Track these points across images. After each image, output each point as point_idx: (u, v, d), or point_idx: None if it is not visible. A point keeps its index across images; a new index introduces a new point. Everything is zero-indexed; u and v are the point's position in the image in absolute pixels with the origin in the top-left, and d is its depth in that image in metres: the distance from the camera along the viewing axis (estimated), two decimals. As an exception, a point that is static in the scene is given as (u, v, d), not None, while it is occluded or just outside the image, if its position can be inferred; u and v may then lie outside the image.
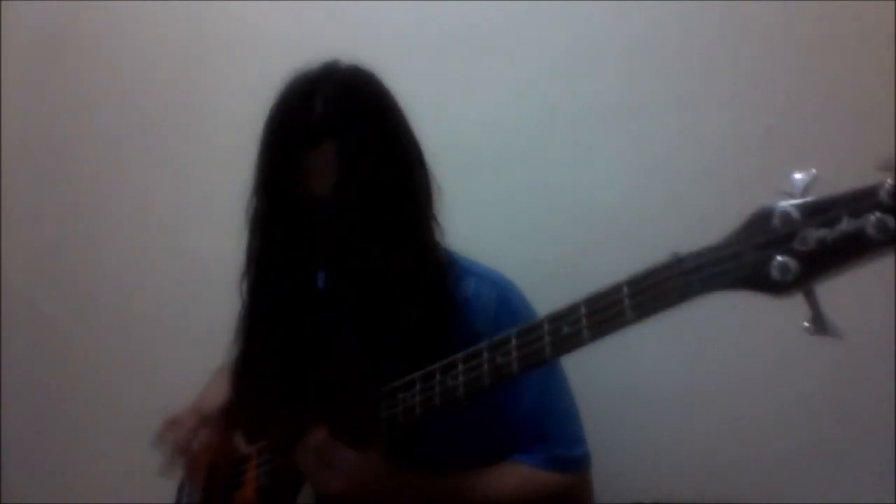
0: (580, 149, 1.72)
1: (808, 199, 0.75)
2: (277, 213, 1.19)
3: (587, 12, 1.70)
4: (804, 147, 1.56)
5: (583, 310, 0.91)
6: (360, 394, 1.17)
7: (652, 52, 1.67)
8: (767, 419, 1.63)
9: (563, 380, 1.31)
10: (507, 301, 1.27)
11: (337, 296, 1.29)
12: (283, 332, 1.25)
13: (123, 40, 2.05)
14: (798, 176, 0.76)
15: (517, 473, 1.26)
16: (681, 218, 1.62)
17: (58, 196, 2.14)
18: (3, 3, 2.12)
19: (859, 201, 0.71)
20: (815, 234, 0.73)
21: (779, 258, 0.75)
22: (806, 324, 0.77)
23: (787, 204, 0.76)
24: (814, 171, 0.76)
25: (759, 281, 0.77)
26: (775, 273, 0.75)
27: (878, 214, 0.70)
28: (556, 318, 0.94)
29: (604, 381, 1.60)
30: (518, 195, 1.76)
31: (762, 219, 0.78)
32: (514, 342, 0.99)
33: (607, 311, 0.88)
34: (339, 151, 1.13)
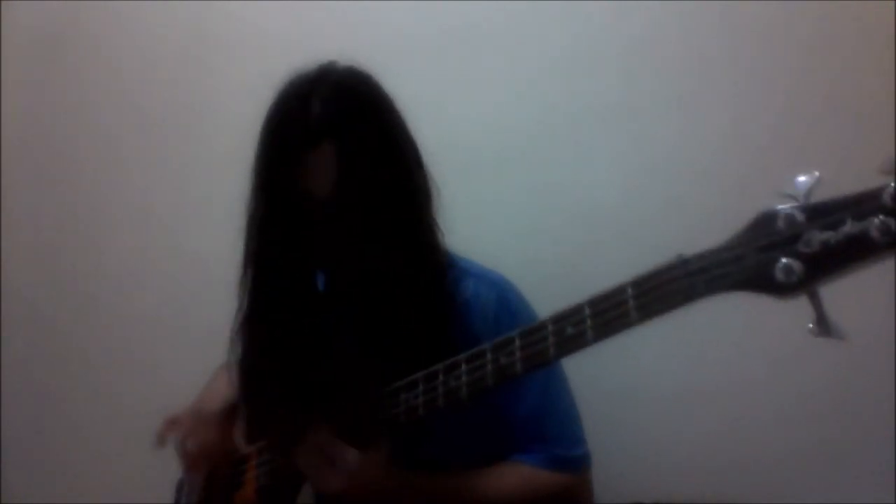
0: (580, 149, 1.72)
1: (812, 201, 0.75)
2: (276, 215, 1.19)
3: (587, 12, 1.70)
4: (804, 147, 1.56)
5: (587, 311, 0.91)
6: (362, 393, 1.17)
7: (652, 52, 1.67)
8: (767, 419, 1.63)
9: (563, 380, 1.31)
10: (506, 302, 1.27)
11: (336, 296, 1.29)
12: (282, 332, 1.24)
13: (123, 40, 2.05)
14: (801, 178, 0.76)
15: (517, 473, 1.26)
16: (681, 218, 1.62)
17: (58, 196, 2.15)
18: (3, 3, 2.12)
19: (863, 204, 0.71)
20: (819, 237, 0.73)
21: (783, 260, 0.76)
22: (810, 326, 0.78)
23: (791, 206, 0.76)
24: (817, 173, 0.76)
25: (763, 283, 0.77)
26: (780, 275, 0.76)
27: (881, 217, 0.70)
28: (560, 319, 0.94)
29: (604, 381, 1.60)
30: (518, 195, 1.76)
31: (766, 221, 0.78)
32: (517, 343, 0.99)
33: (611, 313, 0.88)
34: (337, 152, 1.13)
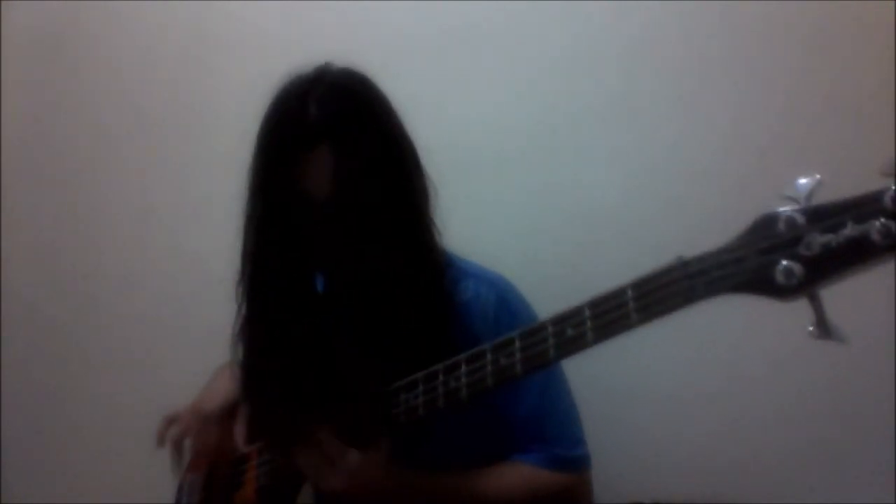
0: (580, 149, 1.72)
1: (813, 204, 0.75)
2: (274, 216, 1.19)
3: (587, 12, 1.70)
4: (804, 147, 1.56)
5: (587, 312, 0.91)
6: (362, 393, 1.17)
7: (652, 52, 1.67)
8: (767, 419, 1.63)
9: (563, 380, 1.31)
10: (506, 302, 1.27)
11: (335, 298, 1.29)
12: (282, 333, 1.24)
13: (123, 40, 2.05)
14: (802, 181, 0.76)
15: (517, 473, 1.27)
16: (681, 218, 1.62)
17: (58, 196, 2.14)
18: (3, 3, 2.12)
19: (863, 207, 0.71)
20: (819, 239, 0.74)
21: (784, 262, 0.76)
22: (810, 328, 0.78)
23: (791, 209, 0.76)
24: (818, 175, 0.76)
25: (763, 285, 0.77)
26: (780, 277, 0.76)
27: (882, 220, 0.70)
28: (561, 321, 0.94)
29: (604, 381, 1.60)
30: (518, 195, 1.76)
31: (767, 223, 0.78)
32: (517, 344, 0.99)
33: (611, 314, 0.88)
34: (334, 153, 1.13)
